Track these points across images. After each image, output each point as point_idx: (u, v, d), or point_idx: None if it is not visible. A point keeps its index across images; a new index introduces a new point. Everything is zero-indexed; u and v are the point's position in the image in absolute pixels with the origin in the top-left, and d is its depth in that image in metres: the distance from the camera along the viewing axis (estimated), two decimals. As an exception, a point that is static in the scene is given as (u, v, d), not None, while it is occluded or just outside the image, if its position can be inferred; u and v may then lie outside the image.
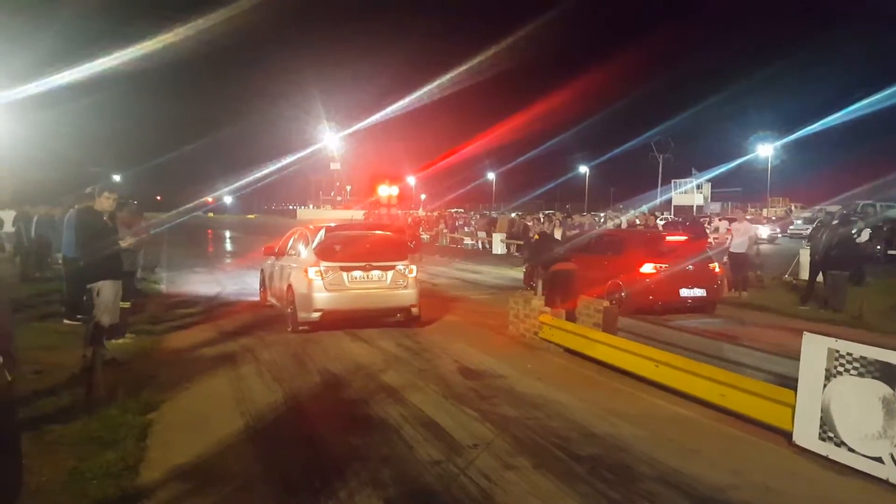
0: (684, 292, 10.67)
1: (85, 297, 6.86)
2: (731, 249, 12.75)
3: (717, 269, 11.40)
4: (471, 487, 4.00)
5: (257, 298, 11.38)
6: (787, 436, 4.76)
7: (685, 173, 59.23)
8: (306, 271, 8.64)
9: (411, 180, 72.31)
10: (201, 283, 14.32)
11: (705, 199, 57.43)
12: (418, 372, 6.83)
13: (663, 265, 10.62)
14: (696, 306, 10.90)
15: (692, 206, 53.69)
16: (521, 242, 22.21)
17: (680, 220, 22.31)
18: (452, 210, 56.63)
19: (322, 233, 9.33)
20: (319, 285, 8.54)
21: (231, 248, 30.84)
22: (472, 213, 50.15)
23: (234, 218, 77.45)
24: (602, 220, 25.47)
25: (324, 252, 8.87)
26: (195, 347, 7.77)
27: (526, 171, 69.74)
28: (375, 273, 8.91)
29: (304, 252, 9.28)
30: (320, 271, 8.58)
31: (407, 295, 9.11)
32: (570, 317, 8.05)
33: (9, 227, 15.61)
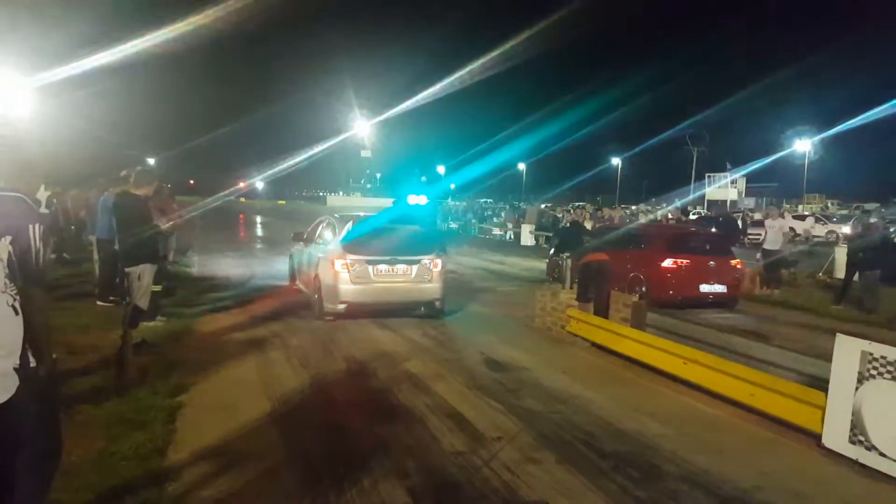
0: (704, 287, 10.70)
1: (118, 280, 7.02)
2: (765, 246, 12.46)
3: (738, 266, 11.36)
4: (494, 480, 3.98)
5: (286, 283, 11.59)
6: (817, 438, 4.66)
7: (720, 167, 57.99)
8: (333, 263, 8.71)
9: (440, 169, 72.20)
10: (232, 268, 14.52)
11: (740, 194, 56.15)
12: (443, 362, 6.83)
13: (684, 260, 10.71)
14: (717, 302, 10.89)
15: (726, 201, 52.54)
16: (550, 234, 22.04)
17: (713, 215, 21.83)
18: (481, 200, 56.51)
19: (349, 224, 9.45)
20: (345, 278, 8.63)
21: (262, 233, 31.22)
22: (501, 203, 49.97)
23: (265, 203, 78.42)
24: (634, 213, 25.10)
25: (350, 245, 8.95)
26: (225, 332, 7.89)
27: (556, 162, 69.19)
28: (401, 267, 8.96)
29: (332, 243, 9.37)
30: (346, 264, 8.65)
31: (432, 289, 9.13)
32: (600, 311, 7.95)
33: (43, 209, 16.01)
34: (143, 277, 5.88)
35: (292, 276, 11.27)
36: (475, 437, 4.70)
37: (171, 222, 7.60)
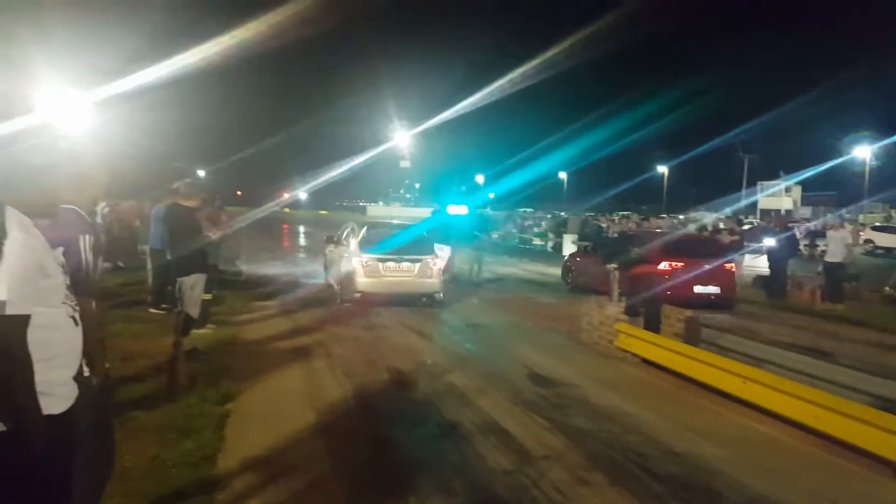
0: (698, 289, 11.34)
1: (169, 288, 7.18)
2: (827, 259, 11.96)
3: (732, 269, 12.33)
4: (543, 501, 3.86)
5: (323, 281, 12.97)
6: (891, 465, 4.36)
7: (772, 175, 56.18)
8: (351, 260, 10.62)
9: (479, 178, 72.15)
10: (277, 276, 14.74)
11: (795, 203, 54.22)
12: (486, 375, 6.72)
13: (678, 264, 11.42)
14: (711, 303, 11.37)
15: (780, 210, 50.83)
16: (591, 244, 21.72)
17: (770, 224, 21.01)
18: (521, 210, 56.20)
19: (365, 229, 11.44)
20: (360, 272, 10.44)
21: (305, 242, 31.68)
22: (542, 213, 49.58)
23: (307, 213, 79.68)
24: (682, 222, 24.46)
25: (365, 245, 10.81)
26: (271, 340, 7.97)
27: (598, 170, 68.37)
28: (405, 264, 10.69)
29: (352, 244, 11.06)
30: (361, 261, 10.47)
31: (432, 283, 10.86)
32: (650, 325, 7.73)
33: (98, 219, 16.48)
34: (194, 287, 5.99)
35: (328, 274, 12.74)
36: (522, 455, 4.58)
37: (221, 232, 7.74)
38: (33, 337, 1.88)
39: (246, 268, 15.78)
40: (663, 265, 11.25)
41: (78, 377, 2.37)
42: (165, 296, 8.46)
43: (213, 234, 7.06)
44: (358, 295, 10.43)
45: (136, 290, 10.58)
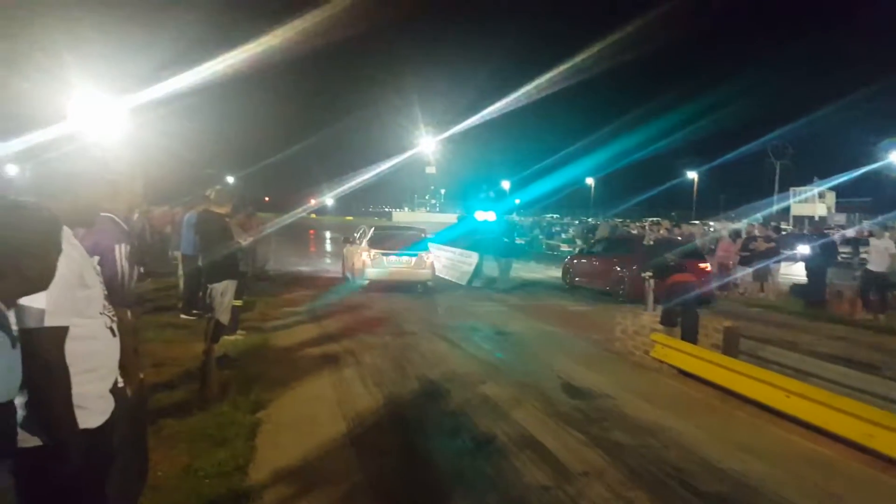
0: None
1: (201, 294, 7.19)
2: (869, 267, 11.56)
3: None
4: (583, 520, 3.72)
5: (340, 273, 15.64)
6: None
7: (805, 181, 54.85)
8: (362, 254, 13.21)
9: (505, 184, 71.91)
10: (305, 282, 14.79)
11: (829, 209, 52.77)
12: (519, 386, 6.58)
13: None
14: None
15: (813, 217, 49.54)
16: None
17: (808, 231, 20.43)
18: (548, 216, 55.86)
19: (373, 230, 14.22)
20: (368, 263, 13.07)
21: (331, 248, 31.79)
22: (570, 219, 49.19)
23: (333, 219, 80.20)
24: (716, 228, 23.92)
25: (373, 242, 13.45)
26: (300, 346, 7.94)
27: (626, 176, 67.66)
28: (405, 258, 13.33)
29: (363, 243, 13.66)
30: (370, 255, 13.08)
31: (425, 273, 13.46)
32: (688, 335, 7.51)
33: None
34: (225, 293, 5.98)
35: (343, 266, 15.55)
36: (559, 470, 4.44)
37: (251, 238, 7.74)
38: (71, 349, 1.83)
39: (274, 267, 15.92)
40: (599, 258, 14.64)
41: (113, 388, 2.33)
42: (196, 302, 8.50)
43: (244, 241, 7.05)
44: (366, 281, 13.10)
45: (166, 295, 10.66)
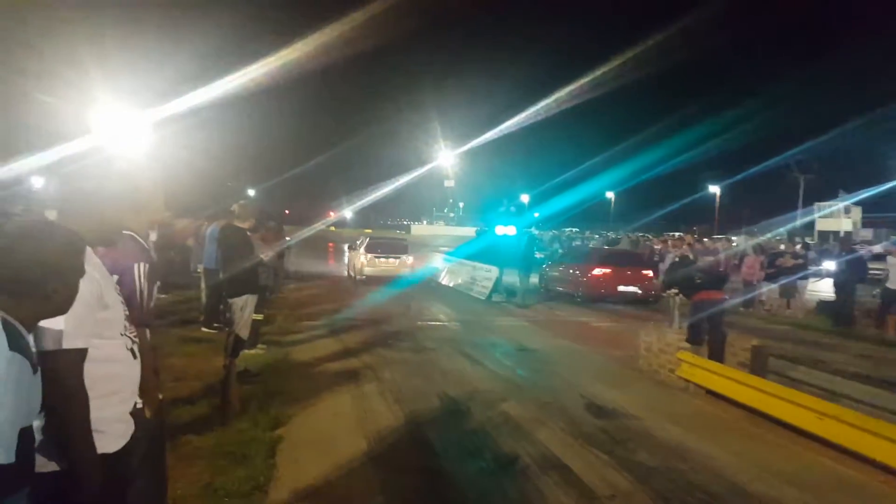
0: (621, 288, 15.35)
1: (222, 307, 7.18)
2: (888, 285, 11.25)
3: (650, 274, 15.95)
4: (611, 547, 3.59)
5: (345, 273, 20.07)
6: None
7: (829, 196, 53.87)
8: (360, 256, 18.06)
9: (524, 198, 71.68)
10: (325, 295, 14.78)
11: (854, 224, 51.69)
12: (542, 405, 6.45)
13: (606, 270, 15.77)
14: (633, 299, 15.49)
15: (839, 232, 48.56)
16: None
17: (836, 248, 19.86)
18: (568, 229, 55.53)
19: (367, 239, 19.29)
20: (364, 263, 17.79)
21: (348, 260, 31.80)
22: (590, 233, 48.83)
23: (353, 232, 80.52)
24: (735, 243, 23.49)
25: (368, 247, 18.31)
26: (320, 361, 7.89)
27: (647, 189, 67.11)
28: (391, 259, 18.19)
29: (361, 247, 18.54)
30: (365, 256, 17.87)
31: (404, 270, 18.15)
32: (715, 354, 7.33)
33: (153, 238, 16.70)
34: (245, 308, 5.94)
35: (348, 267, 20.07)
36: (586, 494, 4.31)
37: (273, 253, 7.74)
38: (91, 371, 1.78)
39: (295, 286, 15.94)
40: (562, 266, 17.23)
41: (132, 410, 2.28)
42: (218, 315, 8.51)
43: (266, 256, 7.05)
44: (363, 277, 17.77)
45: (188, 308, 10.70)
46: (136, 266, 2.36)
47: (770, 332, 11.45)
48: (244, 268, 6.01)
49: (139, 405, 2.41)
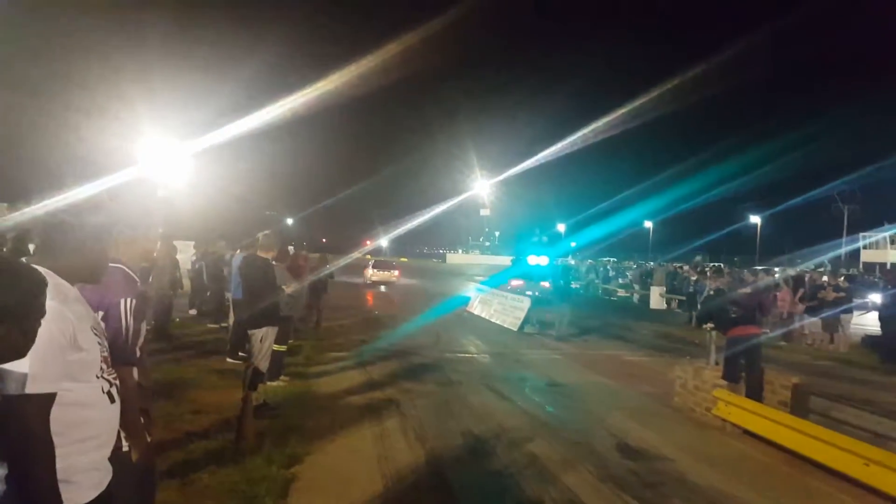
0: None
1: (240, 338, 7.12)
2: None
3: None
4: None
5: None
6: None
7: (875, 226, 51.91)
8: (368, 268, 31.90)
9: (560, 227, 71.09)
10: (355, 325, 14.70)
11: (902, 255, 49.54)
12: (570, 444, 6.17)
13: None
14: None
15: (885, 264, 46.60)
16: (683, 297, 20.55)
17: (875, 279, 19.05)
18: (604, 259, 54.68)
19: (373, 261, 35.09)
20: (370, 273, 31.18)
21: (384, 289, 31.80)
22: (626, 262, 47.97)
23: (388, 260, 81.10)
24: (777, 275, 22.67)
25: (373, 265, 32.59)
26: (343, 394, 7.76)
27: (687, 219, 65.75)
28: (385, 272, 31.80)
29: (370, 264, 32.89)
30: (371, 270, 31.60)
31: (395, 279, 31.79)
32: (753, 392, 6.95)
33: (185, 262, 16.74)
34: (264, 340, 5.89)
35: (364, 276, 30.88)
36: (612, 544, 4.04)
37: (300, 286, 7.70)
38: (61, 416, 1.68)
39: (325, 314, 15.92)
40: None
41: (116, 453, 2.18)
42: (243, 346, 8.48)
43: (289, 288, 7.01)
44: (370, 281, 30.01)
45: (217, 338, 10.74)
46: (122, 301, 2.29)
47: (813, 369, 10.92)
48: (265, 299, 5.97)
49: (125, 448, 2.31)
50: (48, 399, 1.63)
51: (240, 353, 8.78)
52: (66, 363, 1.68)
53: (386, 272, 31.42)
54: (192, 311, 14.09)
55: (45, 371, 1.61)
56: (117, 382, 1.94)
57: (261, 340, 5.86)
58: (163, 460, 4.74)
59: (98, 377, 1.82)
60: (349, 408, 7.17)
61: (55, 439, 1.64)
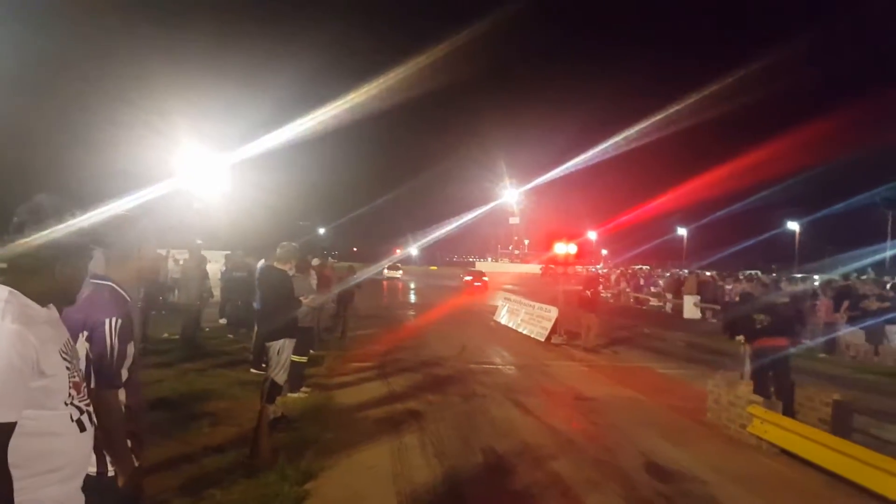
0: None
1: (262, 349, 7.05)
2: None
3: None
4: None
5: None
6: None
7: (918, 232, 49.96)
8: (384, 271, 47.70)
9: (592, 234, 70.25)
10: (380, 335, 14.60)
11: (948, 261, 47.50)
12: (595, 463, 5.93)
13: None
14: None
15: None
16: (718, 307, 19.99)
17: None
18: (636, 267, 53.77)
19: (388, 263, 50.56)
20: (384, 272, 47.29)
21: (414, 299, 31.75)
22: (660, 270, 47.03)
23: (418, 269, 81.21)
24: (816, 282, 21.86)
25: (388, 267, 49.35)
26: (363, 407, 7.64)
27: (722, 226, 64.37)
28: (395, 271, 51.35)
29: (386, 265, 48.67)
30: (385, 268, 47.56)
31: (400, 275, 51.59)
32: (788, 409, 6.62)
33: (215, 272, 16.83)
34: (281, 352, 5.80)
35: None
36: (637, 573, 3.81)
37: (322, 299, 7.62)
38: (22, 446, 1.56)
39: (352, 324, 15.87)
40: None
41: (99, 479, 2.07)
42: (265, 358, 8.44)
43: (307, 300, 6.92)
44: (384, 277, 46.34)
45: (242, 349, 10.75)
46: (108, 321, 2.18)
47: (855, 383, 10.44)
48: (281, 310, 5.88)
49: (111, 473, 2.21)
50: (6, 428, 1.52)
51: (263, 365, 8.75)
52: (28, 390, 1.57)
53: (394, 271, 50.61)
54: (222, 321, 14.18)
55: (2, 399, 1.50)
56: (90, 409, 1.83)
57: (278, 352, 5.77)
58: (176, 475, 4.69)
59: (67, 404, 1.71)
60: (368, 421, 7.04)
61: (13, 472, 1.53)
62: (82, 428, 1.75)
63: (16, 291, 1.66)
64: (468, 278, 40.69)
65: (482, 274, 42.69)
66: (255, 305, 10.03)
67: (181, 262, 13.92)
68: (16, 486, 1.54)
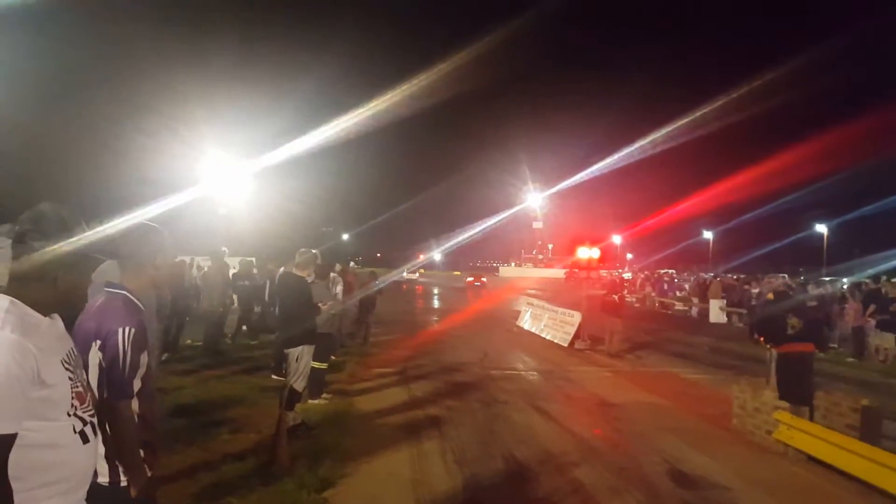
0: None
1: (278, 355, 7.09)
2: None
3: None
4: None
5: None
6: None
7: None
8: (404, 274, 55.24)
9: (617, 238, 69.59)
10: (402, 340, 14.61)
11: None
12: (618, 470, 5.84)
13: None
14: None
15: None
16: (744, 311, 19.62)
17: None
18: (661, 271, 53.13)
19: (407, 266, 62.19)
20: (405, 275, 54.89)
21: (438, 304, 31.76)
22: (685, 274, 46.42)
23: (441, 274, 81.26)
24: (845, 286, 21.25)
25: (407, 270, 58.22)
26: (383, 413, 7.64)
27: (748, 229, 63.36)
28: (413, 274, 60.51)
29: (405, 269, 57.86)
30: (406, 272, 55.64)
31: (416, 276, 61.93)
32: (808, 411, 6.45)
33: (231, 274, 16.88)
34: (300, 359, 5.83)
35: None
36: (658, 584, 3.74)
37: (341, 305, 7.66)
38: (23, 459, 1.54)
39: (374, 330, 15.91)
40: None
41: (112, 489, 2.09)
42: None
43: (325, 306, 6.96)
44: (405, 279, 54.09)
45: (264, 355, 10.83)
46: (121, 330, 2.20)
47: (885, 388, 10.16)
48: (299, 317, 5.92)
49: (124, 483, 2.23)
50: (6, 440, 1.52)
51: (283, 370, 8.82)
52: (28, 401, 1.57)
53: (414, 274, 59.11)
54: (244, 327, 14.32)
55: (1, 409, 1.50)
56: (94, 420, 1.83)
57: (297, 359, 5.81)
58: (194, 483, 4.73)
59: (70, 415, 1.70)
60: (388, 427, 7.04)
61: (14, 484, 1.52)
62: (85, 440, 1.75)
63: (17, 301, 1.66)
64: (470, 279, 52.70)
65: (481, 276, 55.02)
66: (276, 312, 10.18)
67: (204, 269, 14.10)
68: (16, 498, 1.53)
